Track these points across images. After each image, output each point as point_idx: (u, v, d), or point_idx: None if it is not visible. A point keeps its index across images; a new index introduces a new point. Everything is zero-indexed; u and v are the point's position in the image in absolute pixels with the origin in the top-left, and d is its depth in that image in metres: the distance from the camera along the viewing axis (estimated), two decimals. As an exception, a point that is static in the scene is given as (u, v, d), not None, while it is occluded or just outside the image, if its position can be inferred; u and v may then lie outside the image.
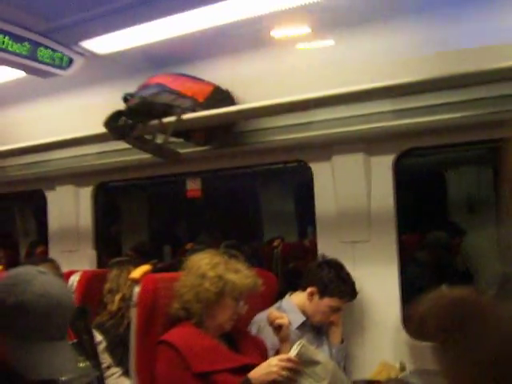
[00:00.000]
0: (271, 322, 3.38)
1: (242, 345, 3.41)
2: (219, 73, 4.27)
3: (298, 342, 3.16)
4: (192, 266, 3.35)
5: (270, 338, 3.56)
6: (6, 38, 3.61)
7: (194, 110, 4.01)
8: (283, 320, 3.38)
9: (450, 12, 3.58)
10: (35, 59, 3.83)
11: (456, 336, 1.45)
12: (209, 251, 3.47)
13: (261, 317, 3.75)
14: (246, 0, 3.35)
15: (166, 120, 4.05)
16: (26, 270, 2.19)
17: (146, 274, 3.56)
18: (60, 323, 2.09)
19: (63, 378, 2.14)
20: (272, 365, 2.99)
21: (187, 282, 3.28)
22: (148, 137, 4.28)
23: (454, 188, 7.22)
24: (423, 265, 5.66)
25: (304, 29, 3.86)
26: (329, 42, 3.96)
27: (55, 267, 4.43)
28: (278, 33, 3.91)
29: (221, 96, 4.16)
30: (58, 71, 4.02)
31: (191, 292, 3.24)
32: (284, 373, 2.96)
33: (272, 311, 3.51)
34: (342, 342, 4.02)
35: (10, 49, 3.66)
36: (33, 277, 2.09)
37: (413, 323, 1.70)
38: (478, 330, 1.39)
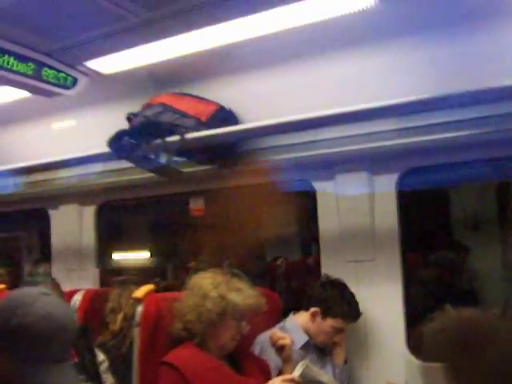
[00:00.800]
0: (274, 343, 3.36)
1: (245, 365, 3.38)
2: (222, 92, 4.28)
3: (302, 362, 3.14)
4: (194, 285, 3.33)
5: (273, 359, 3.53)
6: (11, 58, 3.63)
7: (197, 130, 4.02)
8: (285, 341, 3.36)
9: (453, 31, 3.59)
10: (40, 79, 3.85)
11: (468, 356, 1.44)
12: (211, 270, 3.45)
13: (264, 337, 3.73)
14: (248, 20, 3.36)
15: (170, 139, 4.05)
16: (28, 292, 2.18)
17: (148, 293, 3.55)
18: (63, 345, 2.08)
19: None
20: None
21: (189, 302, 3.26)
22: (151, 156, 4.29)
23: (457, 206, 7.21)
24: (428, 284, 5.63)
25: (307, 48, 3.87)
26: (332, 61, 3.96)
27: (56, 286, 4.41)
28: (281, 52, 3.92)
29: (224, 115, 4.17)
30: (62, 91, 4.04)
31: (193, 312, 3.22)
32: (287, 393, 2.94)
33: (275, 331, 3.49)
34: (346, 362, 4.00)
35: (15, 69, 3.68)
36: (35, 299, 2.09)
37: (422, 344, 1.69)
38: (488, 350, 1.39)
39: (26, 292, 2.19)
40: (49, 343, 2.02)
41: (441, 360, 1.59)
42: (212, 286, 3.26)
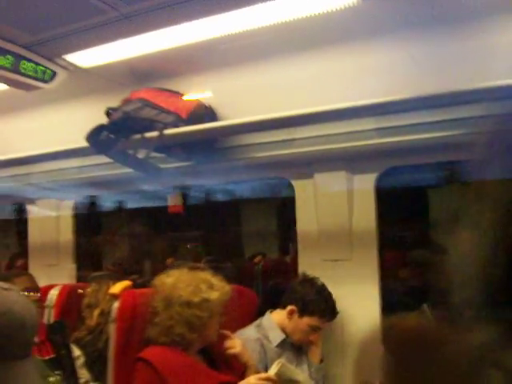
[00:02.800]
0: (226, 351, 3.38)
1: (220, 361, 3.38)
2: (202, 88, 4.26)
3: (278, 360, 3.14)
4: (171, 295, 3.24)
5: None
6: (-12, 51, 3.60)
7: (176, 126, 4.00)
8: (235, 350, 3.38)
9: (435, 31, 3.59)
10: (18, 72, 3.80)
11: (401, 362, 1.48)
12: (173, 273, 3.40)
13: (240, 334, 3.73)
14: (230, 16, 3.34)
15: (149, 135, 4.03)
16: None
17: (125, 289, 3.53)
18: (23, 342, 2.03)
19: None
20: (251, 383, 2.98)
21: (173, 314, 3.18)
22: (130, 152, 4.26)
23: (436, 206, 7.23)
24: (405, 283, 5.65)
25: (287, 45, 3.86)
26: (312, 59, 3.96)
27: (31, 281, 4.38)
28: (261, 49, 3.91)
29: (203, 112, 4.15)
30: (40, 84, 3.99)
31: (181, 324, 3.16)
32: (263, 392, 2.94)
33: (226, 340, 3.46)
34: (322, 361, 4.00)
35: (-7, 62, 3.64)
36: None
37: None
38: (421, 361, 1.41)
39: None
40: (8, 340, 1.97)
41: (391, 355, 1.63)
42: (189, 291, 3.22)
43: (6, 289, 2.08)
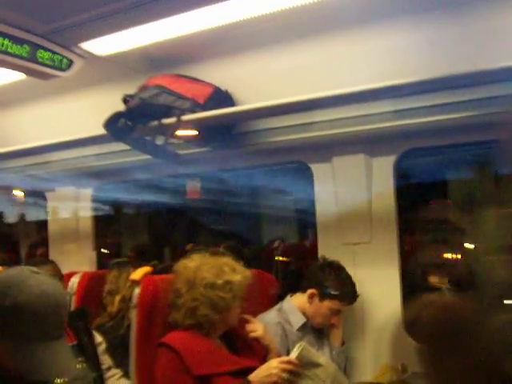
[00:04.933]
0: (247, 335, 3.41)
1: (241, 346, 3.40)
2: (219, 73, 4.25)
3: (299, 344, 3.15)
4: (194, 277, 3.26)
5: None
6: (6, 40, 3.60)
7: (193, 112, 3.99)
8: (256, 333, 3.40)
9: (450, 12, 3.56)
10: (35, 61, 3.81)
11: (442, 342, 1.45)
12: (195, 257, 3.43)
13: (261, 319, 3.74)
14: (245, 1, 3.33)
15: (166, 121, 4.03)
16: (19, 271, 2.17)
17: (146, 275, 3.55)
18: (57, 322, 2.08)
19: (59, 381, 2.13)
20: (272, 367, 2.99)
21: (197, 296, 3.21)
22: (148, 138, 4.26)
23: (454, 188, 7.19)
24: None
25: (304, 29, 3.84)
26: (328, 42, 3.94)
27: (56, 269, 4.43)
28: (278, 33, 3.89)
29: (221, 97, 4.14)
30: (57, 73, 4.00)
31: (206, 304, 3.18)
32: (284, 375, 2.95)
33: (248, 324, 3.48)
34: (343, 344, 4.01)
35: (10, 51, 3.64)
36: (27, 277, 2.08)
37: (405, 325, 1.71)
38: (461, 339, 1.39)
39: (17, 271, 2.17)
40: (43, 321, 2.02)
41: (421, 342, 1.61)
42: (213, 273, 3.25)
43: (36, 272, 2.13)
